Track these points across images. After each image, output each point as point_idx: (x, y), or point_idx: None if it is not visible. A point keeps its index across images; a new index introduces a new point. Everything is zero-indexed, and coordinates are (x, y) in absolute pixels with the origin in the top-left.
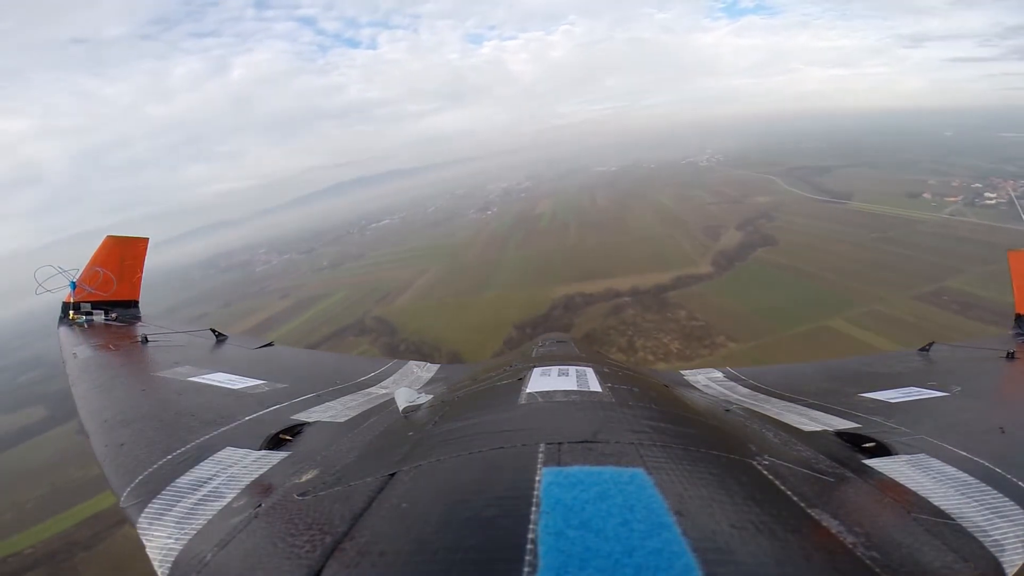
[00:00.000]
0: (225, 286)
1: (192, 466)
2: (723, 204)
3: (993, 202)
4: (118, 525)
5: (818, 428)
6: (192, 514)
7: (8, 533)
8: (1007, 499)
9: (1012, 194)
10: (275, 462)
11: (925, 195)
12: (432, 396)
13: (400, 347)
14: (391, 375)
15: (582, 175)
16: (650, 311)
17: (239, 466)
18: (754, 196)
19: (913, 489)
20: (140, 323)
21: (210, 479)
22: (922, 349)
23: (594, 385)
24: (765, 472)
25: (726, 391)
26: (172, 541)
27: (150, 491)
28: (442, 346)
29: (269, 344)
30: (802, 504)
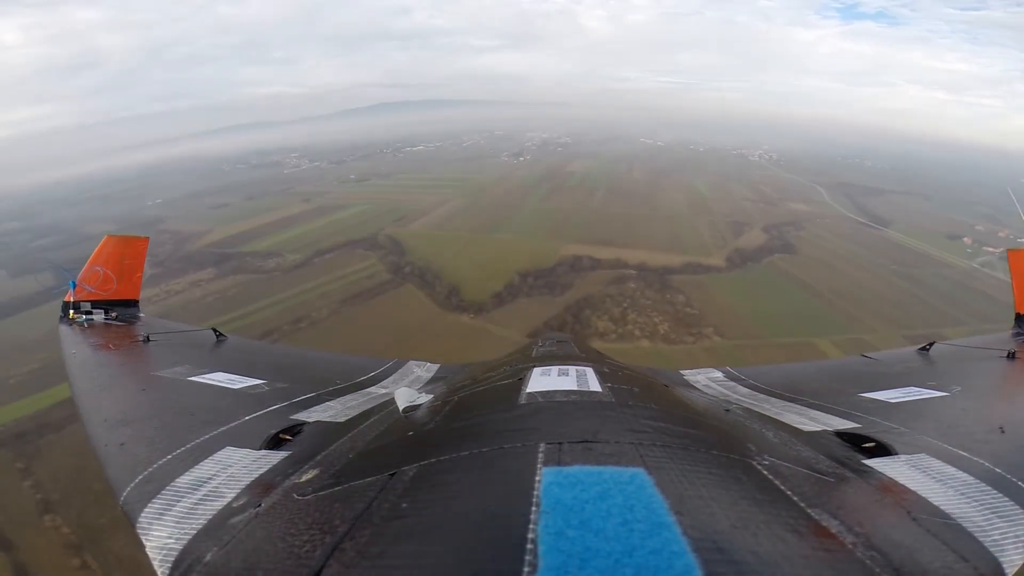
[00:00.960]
0: (252, 182)
1: (192, 466)
2: (758, 203)
3: None
4: None
5: (818, 428)
6: (192, 514)
7: None
8: (1007, 499)
9: None
10: (275, 462)
11: (966, 239)
12: (432, 396)
13: (405, 269)
14: (391, 375)
15: (625, 143)
16: (651, 289)
17: (239, 466)
18: (792, 202)
19: (913, 489)
20: (140, 322)
21: (210, 479)
22: (922, 349)
23: (594, 385)
24: (765, 472)
25: (726, 391)
26: (172, 541)
27: (150, 491)
28: (444, 276)
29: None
30: (802, 504)
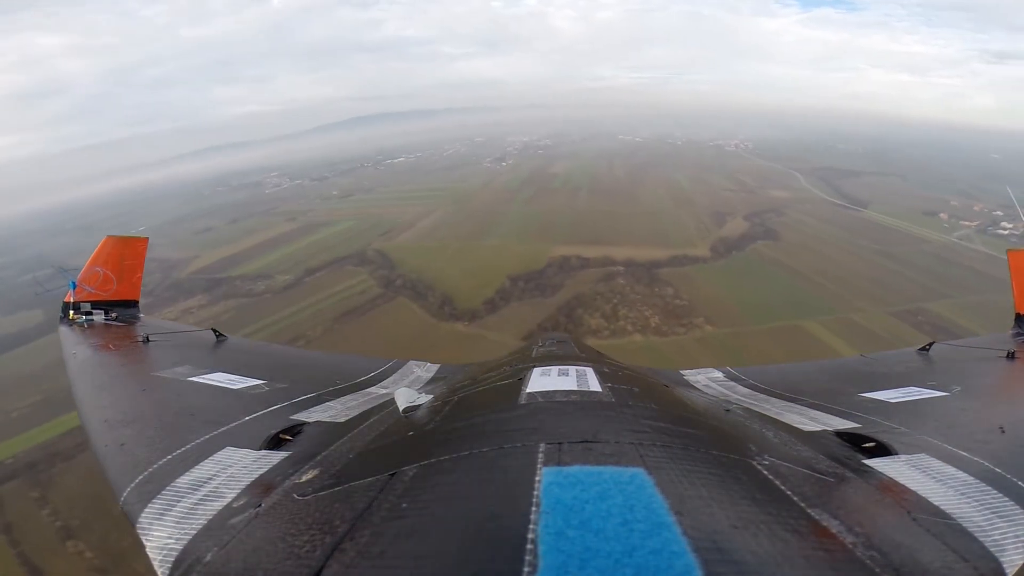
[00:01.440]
0: (234, 204)
1: (192, 466)
2: (738, 192)
3: (1006, 232)
4: None
5: (818, 428)
6: (192, 514)
7: None
8: (1007, 499)
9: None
10: (275, 462)
11: (942, 215)
12: (432, 396)
13: (396, 282)
14: (391, 375)
15: (605, 141)
16: (640, 283)
17: (239, 466)
18: (771, 189)
19: (913, 489)
20: (140, 323)
21: (210, 479)
22: (922, 349)
23: (594, 385)
24: (765, 472)
25: (726, 391)
26: (172, 541)
27: (150, 491)
28: (436, 287)
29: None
30: (802, 504)
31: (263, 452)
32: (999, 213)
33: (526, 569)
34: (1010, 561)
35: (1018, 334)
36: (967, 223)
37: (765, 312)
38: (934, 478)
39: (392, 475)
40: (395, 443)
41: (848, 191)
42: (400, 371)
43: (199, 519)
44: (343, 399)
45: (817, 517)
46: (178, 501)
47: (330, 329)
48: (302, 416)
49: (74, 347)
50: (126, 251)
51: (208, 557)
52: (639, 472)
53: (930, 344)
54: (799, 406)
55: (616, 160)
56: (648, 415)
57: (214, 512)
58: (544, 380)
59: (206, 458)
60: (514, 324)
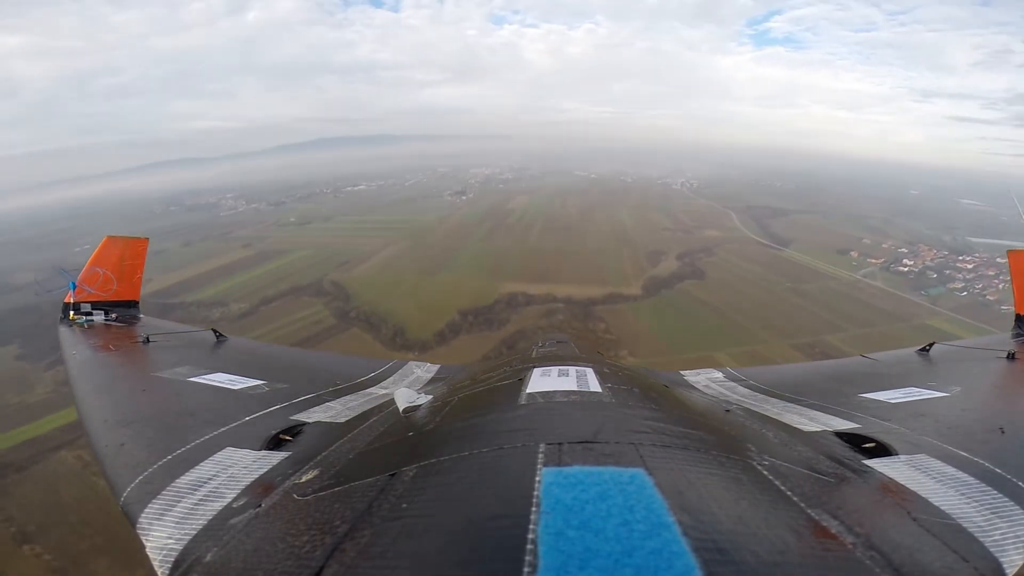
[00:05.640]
0: (188, 226)
1: (192, 466)
2: (675, 232)
3: (906, 270)
4: (54, 450)
5: (818, 428)
6: (192, 514)
7: None
8: (1007, 499)
9: (927, 263)
10: (275, 462)
11: (853, 253)
12: (432, 396)
13: (351, 314)
14: (391, 375)
15: (563, 177)
16: (576, 319)
17: (239, 466)
18: (705, 229)
19: (913, 489)
20: (140, 323)
21: (210, 479)
22: (922, 349)
23: (594, 385)
24: (765, 472)
25: (726, 391)
26: (172, 541)
27: (150, 491)
28: (389, 319)
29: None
30: (802, 505)
31: (263, 452)
32: (903, 250)
33: (526, 569)
34: (1010, 561)
35: (1018, 335)
36: (874, 260)
37: (682, 344)
38: (934, 478)
39: (392, 475)
40: (395, 443)
41: (774, 230)
42: (400, 371)
43: (199, 519)
44: (343, 399)
45: (817, 517)
46: (178, 501)
47: None
48: (302, 416)
49: (74, 348)
50: (126, 252)
51: (208, 557)
52: (639, 472)
53: (930, 345)
54: (799, 406)
55: (570, 197)
56: (648, 415)
57: (214, 512)
58: (544, 380)
59: (206, 458)
60: (461, 355)
